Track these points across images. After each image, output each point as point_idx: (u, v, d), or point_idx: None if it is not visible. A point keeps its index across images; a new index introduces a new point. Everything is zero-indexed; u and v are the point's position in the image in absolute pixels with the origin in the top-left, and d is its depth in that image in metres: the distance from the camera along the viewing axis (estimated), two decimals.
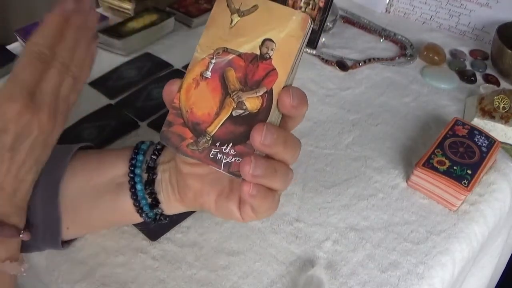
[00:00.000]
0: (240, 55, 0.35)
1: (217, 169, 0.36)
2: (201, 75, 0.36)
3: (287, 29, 0.34)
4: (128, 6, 0.84)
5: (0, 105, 0.34)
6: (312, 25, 0.35)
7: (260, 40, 0.35)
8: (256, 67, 0.35)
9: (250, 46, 0.35)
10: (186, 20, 0.86)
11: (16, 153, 0.35)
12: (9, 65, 0.72)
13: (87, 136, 0.62)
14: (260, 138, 0.33)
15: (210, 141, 0.36)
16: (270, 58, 0.35)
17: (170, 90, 0.37)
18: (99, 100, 0.68)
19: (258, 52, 0.35)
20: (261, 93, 0.35)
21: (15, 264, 0.38)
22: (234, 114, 0.35)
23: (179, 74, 0.74)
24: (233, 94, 0.35)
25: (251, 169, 0.33)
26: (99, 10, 0.86)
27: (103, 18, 0.82)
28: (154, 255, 0.50)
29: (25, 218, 0.39)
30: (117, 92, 0.70)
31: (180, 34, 0.84)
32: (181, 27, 0.85)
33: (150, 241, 0.51)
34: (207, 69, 0.36)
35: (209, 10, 0.87)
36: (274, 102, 0.34)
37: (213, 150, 0.35)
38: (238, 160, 0.35)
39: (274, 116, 0.35)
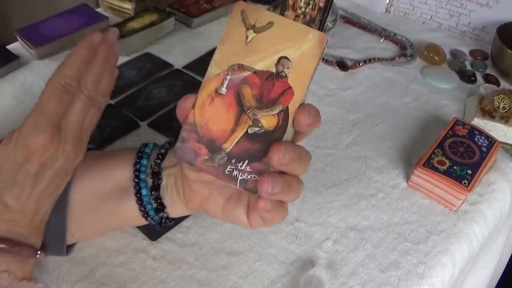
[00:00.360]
0: (255, 72, 0.35)
1: (233, 185, 0.36)
2: (216, 91, 0.36)
3: (303, 48, 0.34)
4: (128, 6, 0.83)
5: (26, 136, 0.34)
6: (327, 43, 0.35)
7: (276, 57, 0.35)
8: (272, 85, 0.35)
9: (266, 63, 0.35)
10: (186, 20, 0.86)
11: (39, 181, 0.36)
12: (9, 65, 0.72)
13: None
14: (278, 158, 0.34)
15: (226, 158, 0.36)
16: (286, 76, 0.35)
17: (184, 106, 0.37)
18: None
19: (273, 70, 0.35)
20: (277, 111, 0.35)
21: (31, 283, 0.38)
22: (249, 131, 0.35)
23: (179, 74, 0.74)
24: (249, 111, 0.35)
25: (269, 188, 0.34)
26: (99, 10, 0.86)
27: (103, 18, 0.82)
28: (154, 255, 0.50)
29: (41, 238, 0.39)
30: (117, 92, 0.70)
31: (180, 34, 0.84)
32: (181, 27, 0.85)
33: (150, 241, 0.51)
34: (222, 85, 0.36)
35: (209, 10, 0.88)
36: (290, 121, 0.35)
37: (229, 167, 0.36)
38: (254, 177, 0.35)
39: (289, 133, 0.35)
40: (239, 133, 0.35)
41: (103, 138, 0.62)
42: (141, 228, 0.51)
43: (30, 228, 0.37)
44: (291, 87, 0.35)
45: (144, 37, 0.78)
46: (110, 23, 0.81)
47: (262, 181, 0.34)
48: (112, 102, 0.68)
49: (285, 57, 0.35)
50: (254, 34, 0.35)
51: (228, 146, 0.36)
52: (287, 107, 0.35)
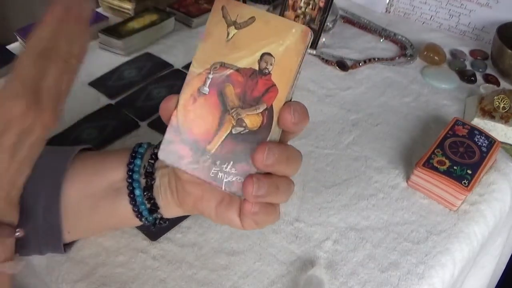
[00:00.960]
0: (238, 70, 0.34)
1: (218, 188, 0.35)
2: (199, 91, 0.35)
3: (286, 43, 0.33)
4: (128, 6, 0.83)
5: (3, 104, 0.32)
6: (312, 37, 0.33)
7: (258, 54, 0.33)
8: (255, 82, 0.34)
9: (248, 60, 0.34)
10: (186, 20, 0.86)
11: (17, 152, 0.34)
12: (9, 65, 0.72)
13: (87, 136, 0.62)
14: (262, 159, 0.32)
15: (210, 160, 0.34)
16: (269, 73, 0.33)
17: (166, 106, 0.36)
18: (99, 100, 0.68)
19: (256, 67, 0.33)
20: (261, 110, 0.33)
21: (13, 263, 0.38)
22: (233, 132, 0.34)
23: (179, 74, 0.74)
24: (232, 111, 0.34)
25: (254, 191, 0.33)
26: (99, 10, 0.86)
27: (103, 18, 0.82)
28: (154, 255, 0.50)
29: (17, 215, 0.38)
30: (117, 92, 0.70)
31: (180, 34, 0.84)
32: (181, 27, 0.85)
33: (150, 241, 0.51)
34: (204, 84, 0.34)
35: (209, 10, 0.87)
36: (275, 119, 0.33)
37: (214, 168, 0.34)
38: (239, 179, 0.34)
39: (274, 133, 0.34)
40: (223, 134, 0.34)
41: (103, 138, 0.62)
42: (141, 228, 0.51)
43: (6, 205, 0.36)
44: (274, 85, 0.33)
45: (144, 37, 0.78)
46: (110, 23, 0.81)
47: (246, 183, 0.33)
48: (112, 102, 0.68)
49: (268, 53, 0.33)
50: (236, 31, 0.34)
51: (212, 147, 0.34)
52: (272, 106, 0.33)
